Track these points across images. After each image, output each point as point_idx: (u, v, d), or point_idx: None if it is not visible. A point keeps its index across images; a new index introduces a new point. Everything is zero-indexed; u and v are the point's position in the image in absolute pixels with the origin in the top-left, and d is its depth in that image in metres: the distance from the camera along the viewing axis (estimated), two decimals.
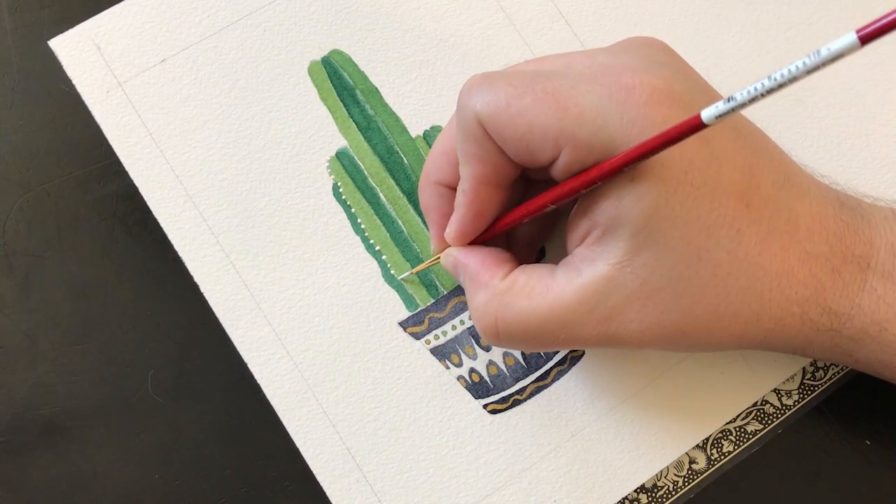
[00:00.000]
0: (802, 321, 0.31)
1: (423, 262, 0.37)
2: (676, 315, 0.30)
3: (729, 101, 0.24)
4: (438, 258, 0.35)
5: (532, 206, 0.32)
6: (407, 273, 0.37)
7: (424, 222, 0.38)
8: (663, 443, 0.37)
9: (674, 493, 0.37)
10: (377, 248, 0.38)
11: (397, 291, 0.37)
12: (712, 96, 0.32)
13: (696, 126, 0.26)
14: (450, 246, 0.34)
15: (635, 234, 0.29)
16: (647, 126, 0.28)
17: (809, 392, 0.38)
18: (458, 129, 0.32)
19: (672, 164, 0.29)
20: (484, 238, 0.34)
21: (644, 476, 0.37)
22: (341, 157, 0.38)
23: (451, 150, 0.34)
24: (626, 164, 0.28)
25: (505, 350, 0.37)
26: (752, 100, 0.24)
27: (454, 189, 0.34)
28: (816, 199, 0.32)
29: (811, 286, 0.31)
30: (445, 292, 0.37)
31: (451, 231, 0.34)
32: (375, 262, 0.37)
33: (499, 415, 0.37)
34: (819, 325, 0.32)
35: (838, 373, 0.38)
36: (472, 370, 0.37)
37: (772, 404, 0.38)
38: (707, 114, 0.25)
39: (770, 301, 0.31)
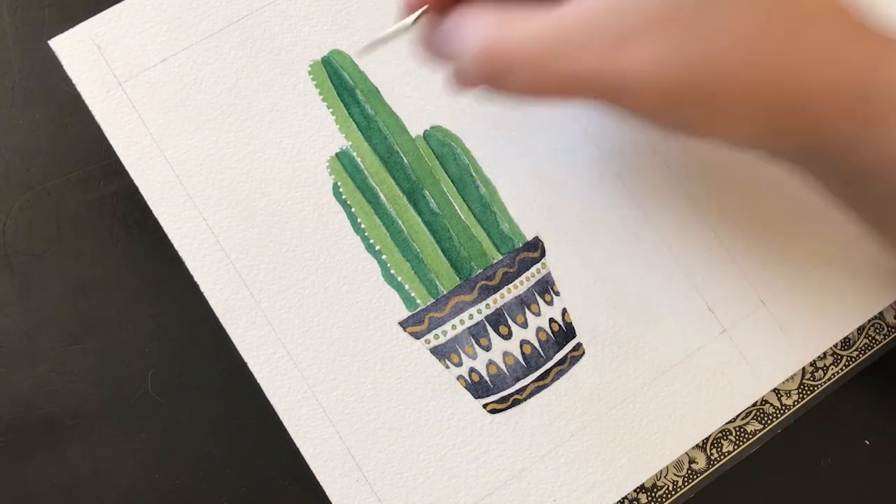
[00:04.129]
0: (832, 83, 0.28)
1: (424, 262, 0.37)
2: (693, 45, 0.27)
3: None
4: (408, 22, 0.31)
5: None
6: (366, 45, 0.32)
7: (424, 221, 0.38)
8: (663, 443, 0.37)
9: (673, 492, 0.37)
10: (377, 247, 0.38)
11: (397, 291, 0.37)
12: None
13: None
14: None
15: None
16: None
17: (809, 392, 0.38)
18: None
19: None
20: None
21: (644, 476, 0.37)
22: (341, 157, 0.38)
23: None
24: None
25: (505, 350, 0.37)
26: None
27: None
28: None
29: (847, 38, 0.28)
30: (445, 292, 0.37)
31: None
32: (375, 262, 0.37)
33: (499, 414, 0.37)
34: (843, 91, 0.28)
35: (838, 373, 0.38)
36: (471, 370, 0.37)
37: (771, 404, 0.38)
38: None
39: (799, 47, 0.27)
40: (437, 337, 0.37)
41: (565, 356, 0.38)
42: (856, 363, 0.39)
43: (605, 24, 0.27)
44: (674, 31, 0.27)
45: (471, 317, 0.37)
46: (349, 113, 0.38)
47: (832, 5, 0.28)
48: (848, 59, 0.28)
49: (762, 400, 0.38)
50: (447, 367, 0.37)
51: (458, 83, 0.30)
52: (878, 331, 0.39)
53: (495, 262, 0.38)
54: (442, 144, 0.39)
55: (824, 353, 0.39)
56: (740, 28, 0.27)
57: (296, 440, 0.36)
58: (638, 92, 0.27)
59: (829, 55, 0.28)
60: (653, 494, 0.37)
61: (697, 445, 0.38)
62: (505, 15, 0.28)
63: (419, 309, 0.37)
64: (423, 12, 0.30)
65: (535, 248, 0.38)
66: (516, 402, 0.37)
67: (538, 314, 0.38)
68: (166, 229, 0.37)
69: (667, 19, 0.27)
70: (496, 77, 0.28)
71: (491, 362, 0.37)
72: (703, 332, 0.38)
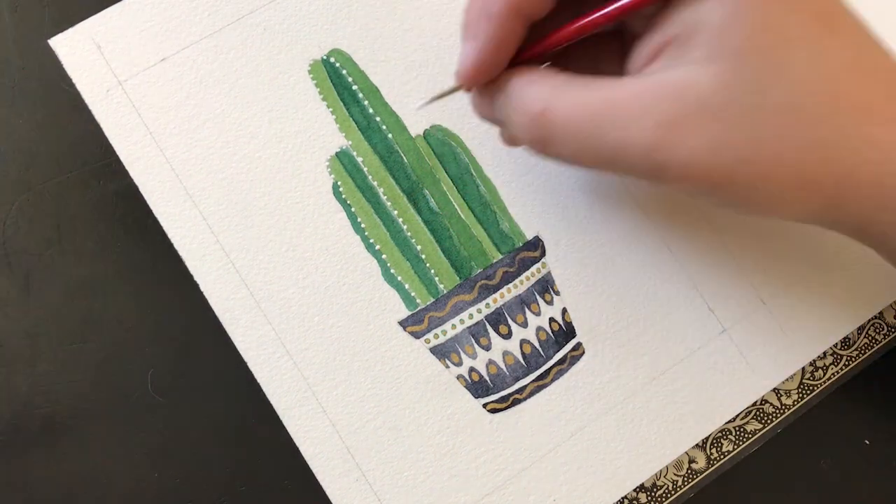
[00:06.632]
0: (880, 174, 0.28)
1: (423, 259, 0.37)
2: (743, 134, 0.27)
3: None
4: (461, 87, 0.31)
5: (603, 16, 0.29)
6: (422, 103, 0.35)
7: (424, 221, 0.38)
8: (663, 442, 0.37)
9: (673, 492, 0.37)
10: (377, 247, 0.38)
11: (397, 290, 0.37)
12: None
13: None
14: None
15: (712, 40, 0.27)
16: None
17: (809, 392, 0.38)
18: None
19: None
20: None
21: (643, 475, 0.37)
22: (341, 156, 0.38)
23: None
24: None
25: (505, 349, 0.37)
26: None
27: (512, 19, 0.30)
28: None
29: (891, 130, 0.28)
30: (445, 291, 0.37)
31: (467, 62, 0.30)
32: (375, 261, 0.37)
33: (498, 414, 0.37)
34: (891, 184, 0.28)
35: (838, 373, 0.38)
36: (471, 369, 0.37)
37: (771, 404, 0.38)
38: None
39: (846, 138, 0.27)
40: (436, 336, 0.37)
41: (565, 356, 0.38)
42: (856, 363, 0.39)
43: (652, 107, 0.27)
44: (724, 121, 0.27)
45: (471, 316, 0.38)
46: (349, 112, 0.38)
47: (887, 91, 0.28)
48: (892, 153, 0.28)
49: (762, 400, 0.38)
50: (447, 366, 0.37)
51: (508, 143, 0.31)
52: (878, 331, 0.39)
53: (495, 261, 0.38)
54: (442, 144, 0.39)
55: (824, 353, 0.39)
56: (791, 118, 0.27)
57: (296, 440, 0.36)
58: (680, 176, 0.28)
59: (875, 149, 0.28)
60: (652, 494, 0.37)
61: (697, 445, 0.38)
62: (559, 82, 0.29)
63: (419, 308, 0.37)
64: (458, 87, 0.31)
65: (535, 248, 0.38)
66: (516, 402, 0.37)
67: (538, 314, 0.38)
68: (166, 229, 0.37)
69: (718, 108, 0.27)
70: (543, 143, 0.29)
71: (491, 362, 0.37)
72: (703, 332, 0.38)
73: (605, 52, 0.32)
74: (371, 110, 0.38)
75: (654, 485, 0.37)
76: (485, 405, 0.37)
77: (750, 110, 0.27)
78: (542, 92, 0.29)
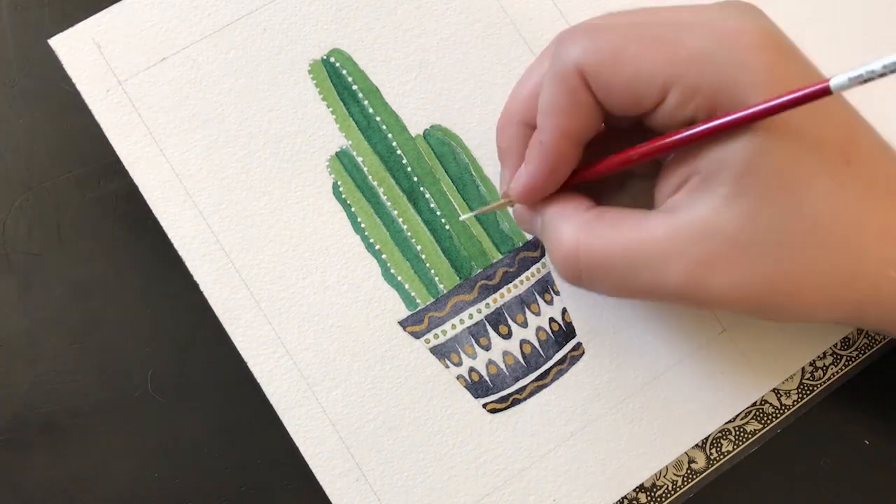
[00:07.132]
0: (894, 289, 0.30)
1: (423, 259, 0.37)
2: (770, 268, 0.29)
3: (862, 74, 0.24)
4: (507, 202, 0.35)
5: (639, 151, 0.31)
6: (469, 214, 0.38)
7: (424, 221, 0.38)
8: (663, 442, 0.37)
9: (673, 492, 0.37)
10: (377, 247, 0.38)
11: (397, 290, 0.37)
12: (804, 55, 0.31)
13: (823, 92, 0.26)
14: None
15: (737, 179, 0.28)
16: (755, 70, 0.28)
17: (808, 392, 0.38)
18: (551, 79, 0.31)
19: None
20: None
21: (643, 475, 0.37)
22: (341, 156, 0.38)
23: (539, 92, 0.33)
24: (751, 120, 0.28)
25: (505, 349, 0.37)
26: (883, 73, 0.24)
27: None
28: None
29: None
30: (445, 291, 0.37)
31: (519, 184, 0.32)
32: (375, 261, 0.37)
33: (498, 414, 0.37)
34: None
35: (838, 373, 0.38)
36: (471, 369, 0.37)
37: (771, 404, 0.38)
38: (836, 82, 0.25)
39: (867, 261, 0.30)
40: (436, 336, 0.37)
41: (565, 356, 0.38)
42: (856, 363, 0.39)
43: (686, 248, 0.29)
44: (751, 257, 0.29)
45: (470, 316, 0.38)
46: (349, 112, 0.38)
47: (891, 219, 0.30)
48: None
49: (762, 400, 0.38)
50: (447, 366, 0.37)
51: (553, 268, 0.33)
52: None
53: (495, 261, 0.38)
54: (442, 143, 0.39)
55: (824, 353, 0.39)
56: (814, 251, 0.29)
57: (296, 440, 0.36)
58: (717, 304, 0.30)
59: (892, 266, 0.30)
60: (652, 494, 0.37)
61: (697, 445, 0.38)
62: (591, 218, 0.31)
63: (419, 308, 0.37)
64: (504, 204, 0.35)
65: (535, 248, 0.38)
66: (516, 402, 0.37)
67: (538, 314, 0.38)
68: (166, 229, 0.37)
69: (744, 245, 0.29)
70: (577, 279, 0.31)
71: (491, 362, 0.37)
72: (703, 332, 0.38)
73: (636, 175, 0.35)
74: (371, 110, 0.38)
75: (654, 485, 0.37)
76: (485, 405, 0.37)
77: (775, 246, 0.29)
78: (574, 230, 0.31)
